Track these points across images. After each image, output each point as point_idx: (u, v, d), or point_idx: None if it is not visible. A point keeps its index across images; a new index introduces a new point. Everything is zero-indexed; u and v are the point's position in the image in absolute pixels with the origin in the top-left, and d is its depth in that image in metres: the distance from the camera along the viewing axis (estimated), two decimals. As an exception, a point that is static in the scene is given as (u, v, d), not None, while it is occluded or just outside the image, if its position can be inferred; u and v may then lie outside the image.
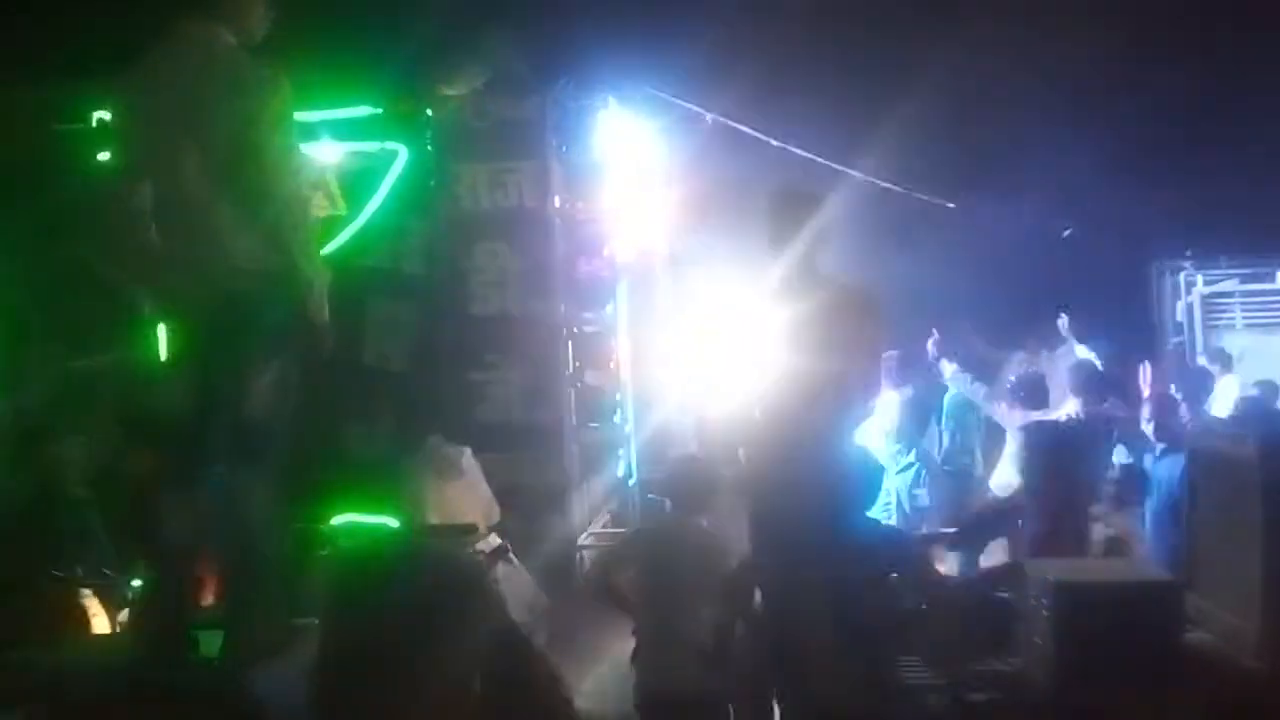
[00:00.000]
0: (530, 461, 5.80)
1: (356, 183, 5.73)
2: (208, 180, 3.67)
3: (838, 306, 4.29)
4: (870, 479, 4.76)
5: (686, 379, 7.55)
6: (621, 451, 6.13)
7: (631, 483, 6.12)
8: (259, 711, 3.50)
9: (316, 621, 3.77)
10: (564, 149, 5.90)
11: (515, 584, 5.15)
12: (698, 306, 7.95)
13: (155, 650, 3.82)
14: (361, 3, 5.81)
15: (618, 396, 6.09)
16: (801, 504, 4.13)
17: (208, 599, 4.49)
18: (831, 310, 4.26)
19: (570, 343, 5.92)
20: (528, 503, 5.78)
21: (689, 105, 7.20)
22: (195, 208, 3.69)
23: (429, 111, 5.93)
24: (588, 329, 6.05)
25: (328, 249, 5.08)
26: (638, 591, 4.63)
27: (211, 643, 3.81)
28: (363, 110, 5.74)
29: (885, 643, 4.48)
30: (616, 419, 6.07)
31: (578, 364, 5.98)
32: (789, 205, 4.43)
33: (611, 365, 6.07)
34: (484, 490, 5.41)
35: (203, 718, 3.57)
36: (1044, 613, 4.51)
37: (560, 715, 3.36)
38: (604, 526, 6.17)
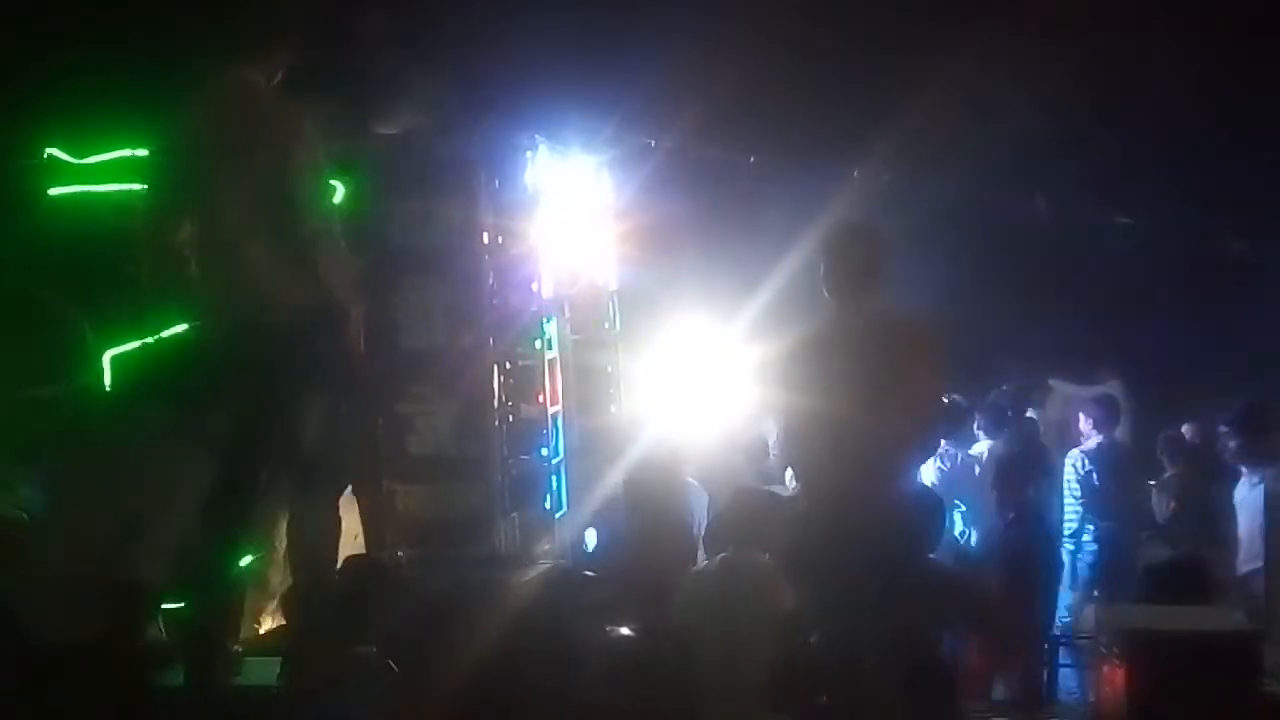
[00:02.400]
0: (458, 493, 5.88)
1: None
2: (248, 217, 3.85)
3: (904, 343, 4.29)
4: (933, 519, 4.74)
5: (642, 410, 7.66)
6: (552, 484, 6.19)
7: (560, 515, 6.19)
8: None
9: (376, 650, 3.89)
10: (495, 185, 5.98)
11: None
12: (653, 338, 8.06)
13: (199, 675, 3.90)
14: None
15: (545, 430, 6.16)
16: (863, 545, 4.12)
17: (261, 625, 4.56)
18: (898, 347, 4.26)
19: (500, 376, 5.99)
20: (455, 535, 5.87)
21: (632, 138, 7.33)
22: (237, 244, 3.87)
23: (364, 149, 6.03)
24: (520, 362, 6.12)
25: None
26: (700, 628, 4.66)
27: (269, 670, 3.91)
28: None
29: (949, 686, 4.57)
30: (545, 452, 6.13)
31: (507, 398, 6.05)
32: (852, 241, 4.42)
33: (540, 399, 6.14)
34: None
35: None
36: (1115, 661, 4.43)
37: None
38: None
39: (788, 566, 4.65)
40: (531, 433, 6.11)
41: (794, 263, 7.84)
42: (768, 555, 5.01)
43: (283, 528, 4.22)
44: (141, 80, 5.65)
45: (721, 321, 8.21)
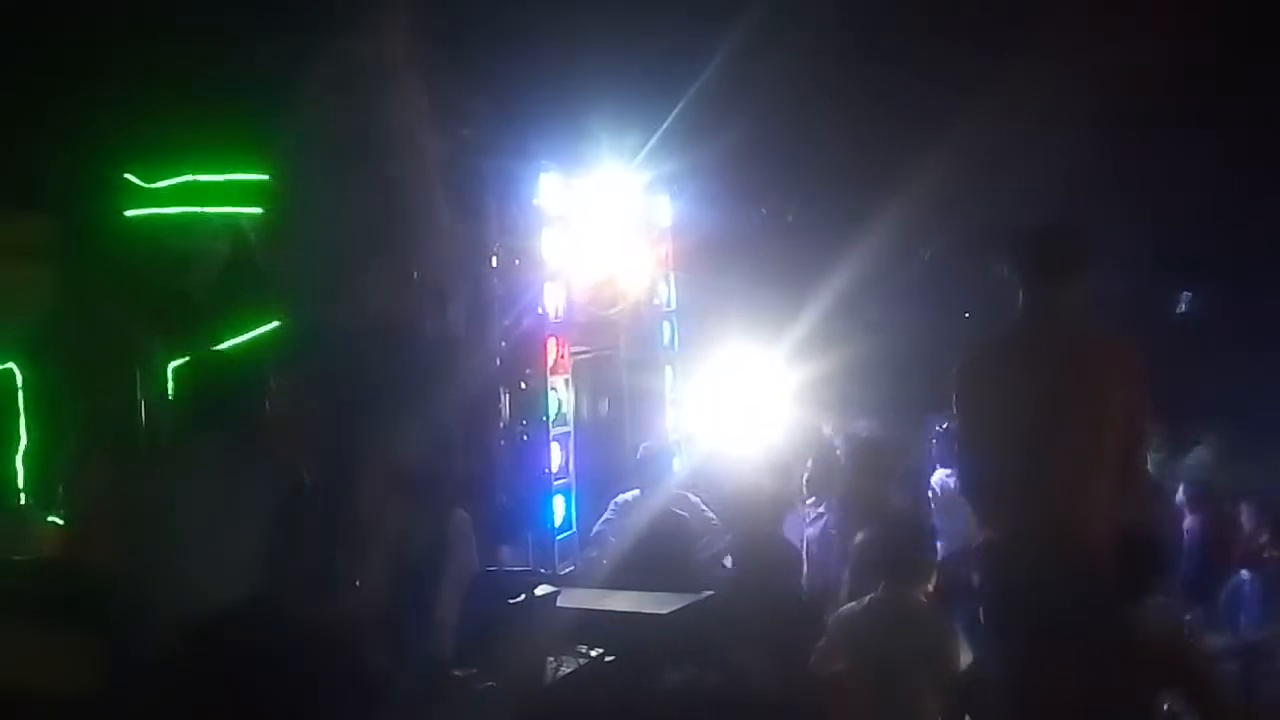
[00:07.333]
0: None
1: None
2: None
3: (1101, 358, 3.83)
4: (1158, 558, 4.18)
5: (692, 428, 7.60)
6: (556, 504, 6.21)
7: (564, 535, 6.19)
8: None
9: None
10: (506, 205, 6.04)
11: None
12: (708, 357, 7.97)
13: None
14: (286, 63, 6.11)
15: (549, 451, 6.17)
16: (1063, 586, 3.58)
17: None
18: (1095, 361, 3.81)
19: (507, 398, 6.05)
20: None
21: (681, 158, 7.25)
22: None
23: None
24: (527, 384, 6.15)
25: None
26: (850, 680, 4.28)
27: None
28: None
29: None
30: (548, 472, 6.15)
31: (519, 418, 6.11)
32: (1053, 246, 3.92)
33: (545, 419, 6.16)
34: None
35: None
36: None
37: None
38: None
39: (966, 609, 4.20)
40: (537, 453, 6.13)
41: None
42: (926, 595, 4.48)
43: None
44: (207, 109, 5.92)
45: (775, 339, 8.10)
